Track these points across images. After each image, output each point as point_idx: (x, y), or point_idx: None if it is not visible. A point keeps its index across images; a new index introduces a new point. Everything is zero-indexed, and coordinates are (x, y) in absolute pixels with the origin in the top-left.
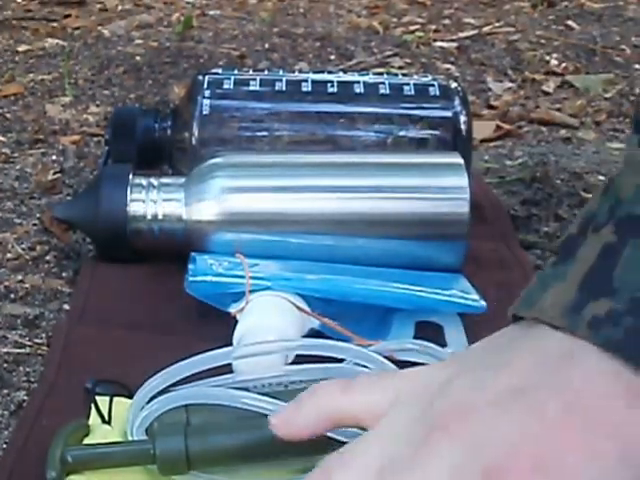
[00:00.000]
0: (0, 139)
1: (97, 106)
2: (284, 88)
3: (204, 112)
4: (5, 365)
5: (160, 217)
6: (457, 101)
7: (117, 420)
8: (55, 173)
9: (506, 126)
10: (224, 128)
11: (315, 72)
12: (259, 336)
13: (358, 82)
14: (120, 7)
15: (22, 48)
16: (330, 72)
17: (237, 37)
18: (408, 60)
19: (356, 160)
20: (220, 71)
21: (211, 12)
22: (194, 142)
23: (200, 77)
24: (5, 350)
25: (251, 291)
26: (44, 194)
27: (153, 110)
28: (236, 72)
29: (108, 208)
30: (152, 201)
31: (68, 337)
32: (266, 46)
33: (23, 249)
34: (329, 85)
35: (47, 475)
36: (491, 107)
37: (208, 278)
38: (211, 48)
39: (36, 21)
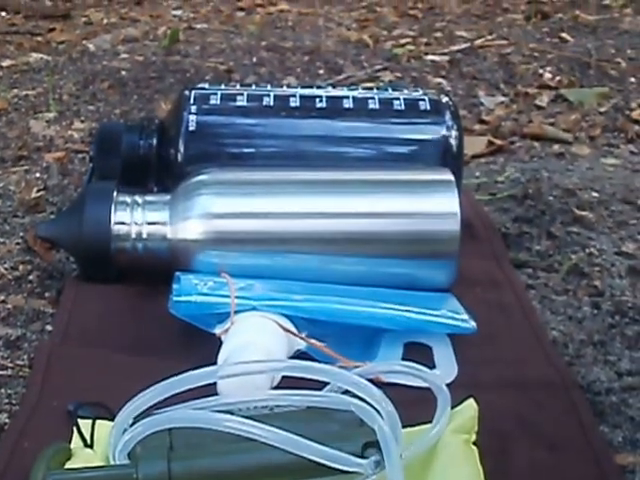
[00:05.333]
0: None
1: (82, 122)
2: (272, 103)
3: (190, 128)
4: None
5: (144, 236)
6: (448, 116)
7: (100, 443)
8: (39, 191)
9: (498, 141)
10: (211, 144)
11: (304, 87)
12: (244, 357)
13: (347, 97)
14: (105, 20)
15: (6, 63)
16: (319, 87)
17: (224, 51)
18: (398, 74)
19: (344, 178)
20: (207, 86)
21: (198, 25)
22: (180, 159)
23: (186, 92)
24: None
25: (236, 311)
26: (27, 212)
27: (138, 126)
28: (223, 87)
29: (92, 227)
30: (136, 220)
31: (50, 359)
32: (254, 60)
33: (6, 269)
34: (318, 100)
35: None
36: (483, 122)
37: (192, 298)
38: (198, 62)
39: (20, 35)
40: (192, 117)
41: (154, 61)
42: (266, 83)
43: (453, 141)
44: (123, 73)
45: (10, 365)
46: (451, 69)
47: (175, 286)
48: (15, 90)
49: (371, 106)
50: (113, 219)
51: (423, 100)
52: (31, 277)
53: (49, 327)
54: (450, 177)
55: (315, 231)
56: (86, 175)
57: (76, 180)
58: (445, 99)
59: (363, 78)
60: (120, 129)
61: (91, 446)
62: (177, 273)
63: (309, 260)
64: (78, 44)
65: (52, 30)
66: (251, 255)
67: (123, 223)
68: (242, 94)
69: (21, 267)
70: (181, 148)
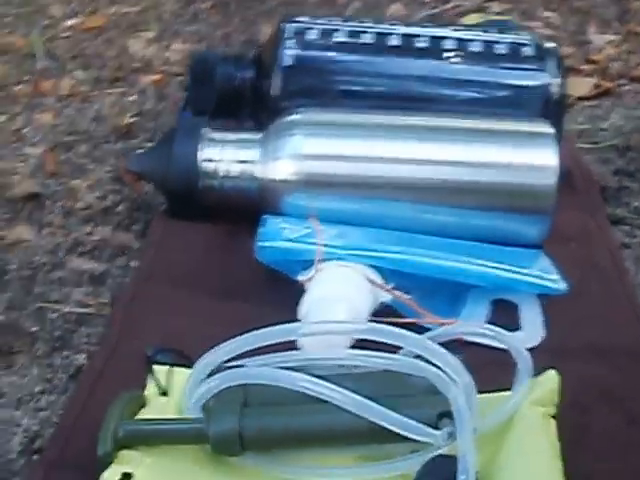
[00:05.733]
0: (80, 76)
1: (181, 43)
2: (371, 40)
3: (286, 63)
4: (67, 325)
5: (233, 174)
6: (552, 63)
7: (174, 391)
8: (132, 116)
9: (605, 84)
10: (306, 80)
11: (406, 25)
12: (327, 309)
13: (449, 37)
14: None
15: None
16: (422, 25)
17: None
18: (508, 5)
19: (440, 124)
20: (305, 19)
21: None
22: (275, 93)
23: (284, 25)
24: (67, 309)
25: (322, 260)
26: (120, 138)
27: (234, 57)
28: (321, 21)
29: (180, 163)
30: (225, 157)
31: (133, 299)
32: None
33: (96, 197)
34: (418, 39)
35: (98, 450)
36: (591, 62)
37: (277, 244)
38: None
39: None
40: (288, 52)
41: None
42: (367, 16)
43: (555, 89)
44: None
45: (92, 302)
46: (562, 2)
47: (261, 229)
48: (115, 7)
49: (472, 49)
50: (201, 156)
51: (527, 45)
52: (119, 208)
53: (134, 263)
54: (550, 130)
55: (407, 177)
56: (181, 103)
57: (171, 105)
58: (550, 45)
59: (471, 8)
60: (215, 59)
61: (166, 394)
62: (264, 216)
63: (400, 207)
64: None
65: None
66: (341, 199)
67: (211, 160)
68: (340, 29)
69: (110, 197)
70: (276, 83)
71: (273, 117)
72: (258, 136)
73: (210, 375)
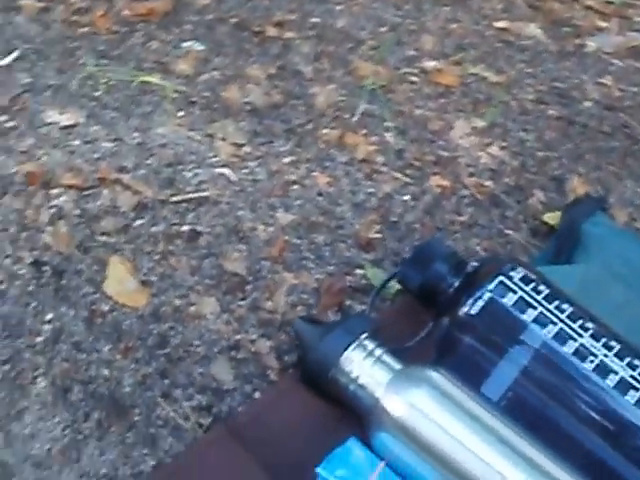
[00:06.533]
0: (390, 141)
1: (500, 149)
2: (551, 335)
3: (473, 309)
4: (160, 429)
5: (359, 382)
6: None
7: None
8: (383, 224)
9: None
10: (481, 331)
11: (594, 335)
12: None
13: (615, 373)
14: None
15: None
16: (610, 343)
17: None
18: None
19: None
20: (519, 276)
21: None
22: (455, 318)
23: (503, 269)
24: (171, 414)
25: None
26: (357, 247)
27: (456, 259)
28: (531, 288)
29: (326, 348)
30: (363, 366)
31: (205, 451)
32: None
33: (287, 303)
34: (590, 359)
35: None
36: None
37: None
38: None
39: None
40: (481, 301)
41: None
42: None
43: None
44: (587, 106)
45: (192, 416)
46: None
47: (334, 451)
48: (481, 66)
49: (627, 397)
50: (346, 353)
51: None
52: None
53: (257, 394)
54: None
55: None
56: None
57: (427, 229)
58: None
59: None
60: (438, 253)
61: None
62: (351, 438)
63: None
64: (583, 33)
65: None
66: (420, 464)
67: (351, 361)
68: (535, 309)
69: (299, 308)
70: (457, 318)
71: (445, 333)
72: (398, 366)
73: None
